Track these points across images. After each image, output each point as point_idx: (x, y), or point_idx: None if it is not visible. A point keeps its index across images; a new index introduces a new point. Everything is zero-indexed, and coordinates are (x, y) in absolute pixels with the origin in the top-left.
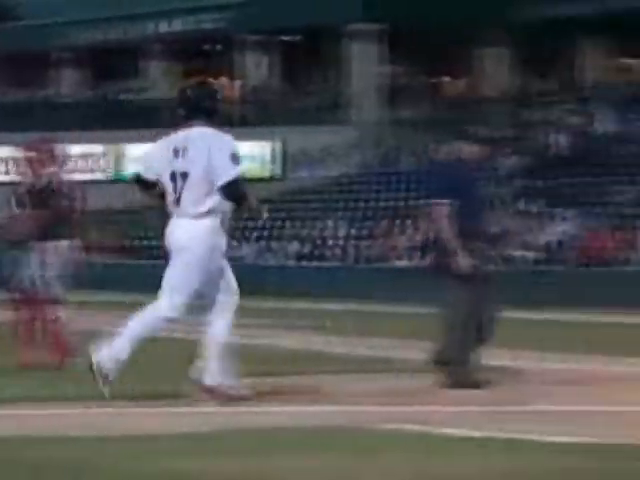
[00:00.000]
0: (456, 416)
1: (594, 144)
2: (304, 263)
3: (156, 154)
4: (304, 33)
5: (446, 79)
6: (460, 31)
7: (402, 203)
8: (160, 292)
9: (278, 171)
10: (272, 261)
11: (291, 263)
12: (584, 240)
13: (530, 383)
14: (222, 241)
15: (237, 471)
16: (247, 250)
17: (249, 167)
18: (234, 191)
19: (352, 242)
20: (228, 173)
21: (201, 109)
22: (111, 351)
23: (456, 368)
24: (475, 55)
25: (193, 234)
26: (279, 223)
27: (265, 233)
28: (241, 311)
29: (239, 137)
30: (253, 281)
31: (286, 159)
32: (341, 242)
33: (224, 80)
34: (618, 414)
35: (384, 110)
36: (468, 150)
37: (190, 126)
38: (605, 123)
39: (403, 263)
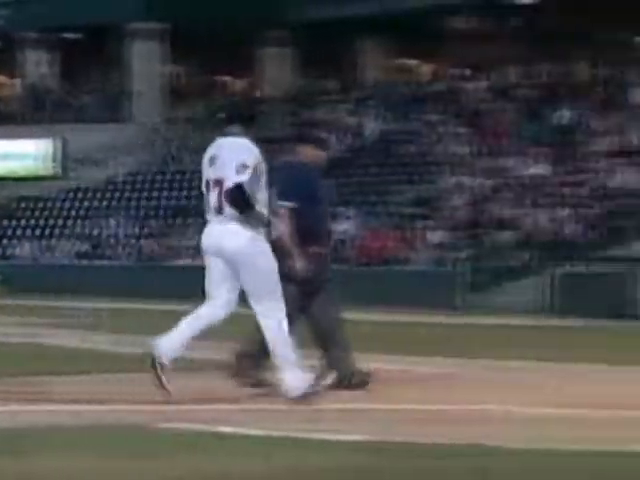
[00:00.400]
0: (245, 415)
1: (374, 144)
2: (84, 262)
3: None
4: (86, 31)
5: (228, 79)
6: (242, 31)
7: (184, 202)
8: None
9: (58, 169)
10: (52, 260)
11: (71, 262)
12: (365, 239)
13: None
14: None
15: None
16: (26, 248)
17: (28, 165)
18: (236, 197)
19: (133, 241)
20: (232, 179)
21: (237, 119)
22: (169, 345)
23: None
24: (257, 55)
25: (250, 236)
26: (60, 222)
27: (45, 232)
28: (19, 309)
29: (19, 135)
30: (32, 279)
31: (66, 157)
32: (122, 241)
33: (3, 78)
34: (397, 412)
35: (166, 109)
36: (312, 153)
37: (225, 135)
38: (385, 122)
39: (185, 262)
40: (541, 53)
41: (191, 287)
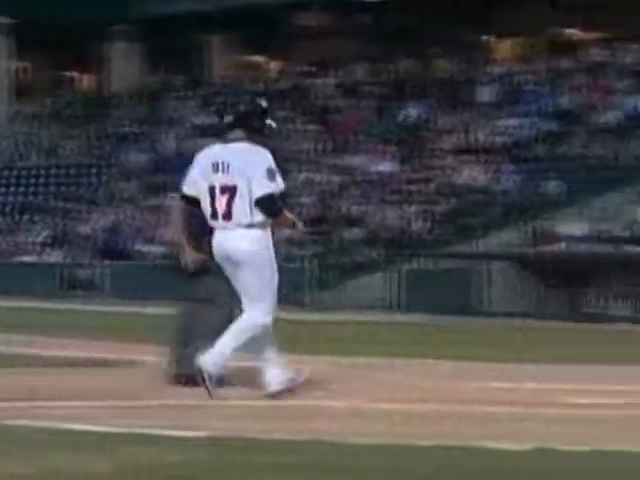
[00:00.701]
0: (94, 412)
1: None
2: None
3: (196, 170)
4: None
5: (75, 75)
6: (89, 26)
7: (30, 199)
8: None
9: None
10: None
11: None
12: None
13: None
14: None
15: None
16: None
17: None
18: (270, 205)
19: None
20: (264, 188)
21: (247, 125)
22: (214, 358)
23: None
24: (104, 51)
25: (255, 240)
26: None
27: None
28: None
29: None
30: None
31: None
32: None
33: None
34: (239, 408)
35: (12, 105)
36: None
37: (227, 141)
38: None
39: (31, 258)
40: (389, 51)
41: (37, 283)
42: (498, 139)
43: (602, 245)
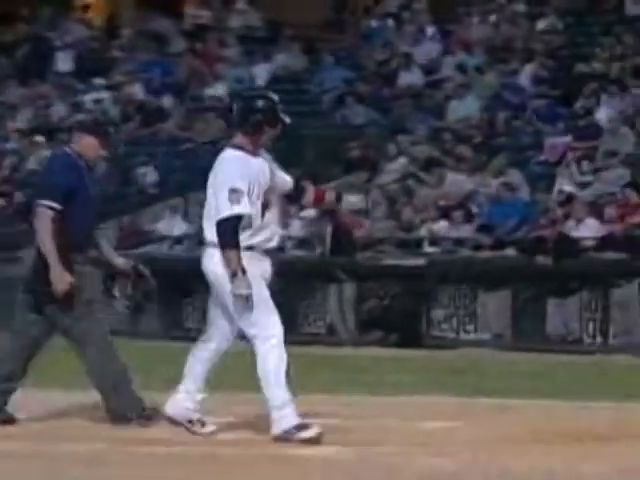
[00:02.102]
0: None
1: None
2: None
3: None
4: None
5: None
6: None
7: None
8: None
9: None
10: None
11: None
12: None
13: None
14: (255, 269)
15: None
16: None
17: None
18: (220, 233)
19: None
20: (221, 210)
21: (242, 127)
22: (276, 416)
23: None
24: None
25: (219, 262)
26: None
27: None
28: None
29: None
30: None
31: None
32: None
33: None
34: None
35: None
36: (86, 142)
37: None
38: None
39: None
40: None
41: None
42: (80, 116)
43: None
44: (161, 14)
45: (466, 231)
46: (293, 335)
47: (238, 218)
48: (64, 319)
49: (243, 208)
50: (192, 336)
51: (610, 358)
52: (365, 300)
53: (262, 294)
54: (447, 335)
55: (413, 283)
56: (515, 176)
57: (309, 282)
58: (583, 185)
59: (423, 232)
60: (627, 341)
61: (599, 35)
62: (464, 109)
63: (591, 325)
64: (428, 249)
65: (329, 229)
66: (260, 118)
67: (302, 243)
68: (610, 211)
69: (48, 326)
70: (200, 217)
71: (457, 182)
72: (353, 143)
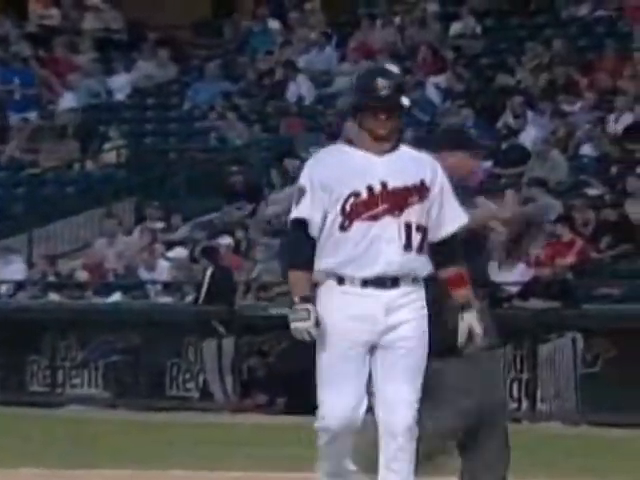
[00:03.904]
0: None
1: None
2: None
3: None
4: None
5: None
6: None
7: None
8: None
9: None
10: None
11: None
12: None
13: None
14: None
15: None
16: None
17: None
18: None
19: None
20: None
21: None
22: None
23: None
24: None
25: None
26: None
27: None
28: None
29: None
30: None
31: None
32: None
33: None
34: None
35: None
36: (462, 163)
37: None
38: None
39: None
40: None
41: None
42: None
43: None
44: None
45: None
46: (159, 400)
47: None
48: None
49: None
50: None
51: (538, 427)
52: (246, 357)
53: (334, 354)
54: None
55: None
56: None
57: (178, 335)
58: None
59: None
60: (558, 406)
61: (525, 41)
62: None
63: (516, 387)
64: None
65: (209, 272)
66: None
67: (170, 288)
68: (538, 250)
69: None
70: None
71: None
72: (232, 169)
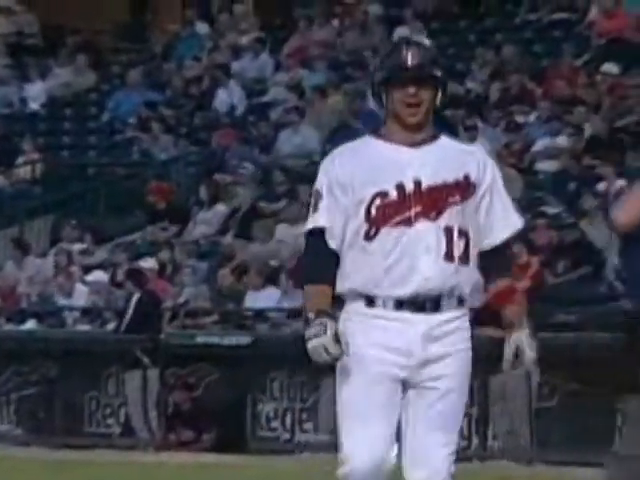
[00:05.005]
0: None
1: None
2: None
3: None
4: None
5: None
6: None
7: None
8: None
9: None
10: None
11: None
12: None
13: None
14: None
15: None
16: None
17: None
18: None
19: None
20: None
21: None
22: None
23: None
24: None
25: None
26: None
27: None
28: None
29: None
30: None
31: None
32: None
33: None
34: None
35: None
36: None
37: None
38: None
39: None
40: None
41: None
42: None
43: None
44: None
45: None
46: (76, 436)
47: None
48: None
49: None
50: None
51: (489, 465)
52: (172, 390)
53: (358, 387)
54: (279, 436)
55: (234, 368)
56: None
57: (98, 366)
58: None
59: (248, 301)
60: (510, 444)
61: (475, 46)
62: (300, 141)
63: (465, 423)
64: (254, 324)
65: (135, 297)
66: None
67: (89, 315)
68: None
69: None
70: None
71: (290, 236)
72: (155, 185)
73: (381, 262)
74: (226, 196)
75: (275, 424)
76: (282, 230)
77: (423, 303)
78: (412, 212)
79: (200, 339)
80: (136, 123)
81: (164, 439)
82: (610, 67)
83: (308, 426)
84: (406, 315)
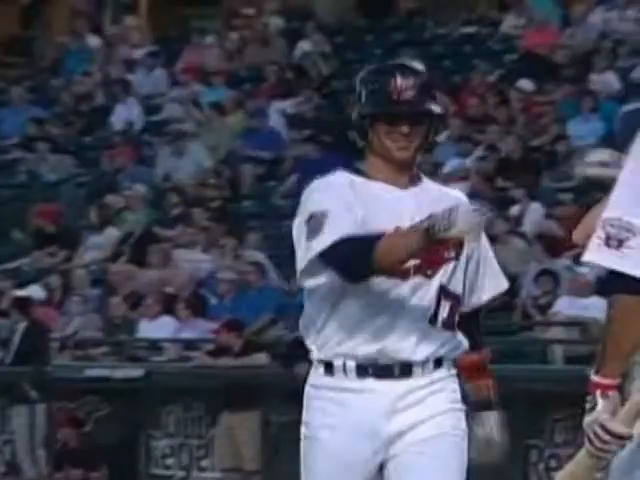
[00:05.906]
0: None
1: None
2: None
3: None
4: None
5: None
6: None
7: None
8: None
9: None
10: None
11: None
12: None
13: None
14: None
15: None
16: None
17: None
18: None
19: None
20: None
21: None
22: None
23: None
24: None
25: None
26: None
27: None
28: None
29: None
30: None
31: None
32: None
33: None
34: None
35: None
36: None
37: None
38: None
39: None
40: None
41: None
42: None
43: None
44: None
45: (201, 330)
46: None
47: None
48: None
49: None
50: None
51: None
52: (60, 426)
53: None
54: (174, 474)
55: (126, 402)
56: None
57: None
58: None
59: (141, 331)
60: None
61: (382, 61)
62: (196, 161)
63: None
64: (148, 355)
65: (22, 326)
66: None
67: None
68: None
69: None
70: None
71: (187, 262)
72: (42, 207)
73: (357, 313)
74: (118, 220)
75: (170, 461)
76: (179, 255)
77: (391, 367)
78: (410, 264)
79: (90, 371)
80: (21, 142)
81: (51, 478)
82: (524, 83)
83: (205, 463)
84: (369, 384)
